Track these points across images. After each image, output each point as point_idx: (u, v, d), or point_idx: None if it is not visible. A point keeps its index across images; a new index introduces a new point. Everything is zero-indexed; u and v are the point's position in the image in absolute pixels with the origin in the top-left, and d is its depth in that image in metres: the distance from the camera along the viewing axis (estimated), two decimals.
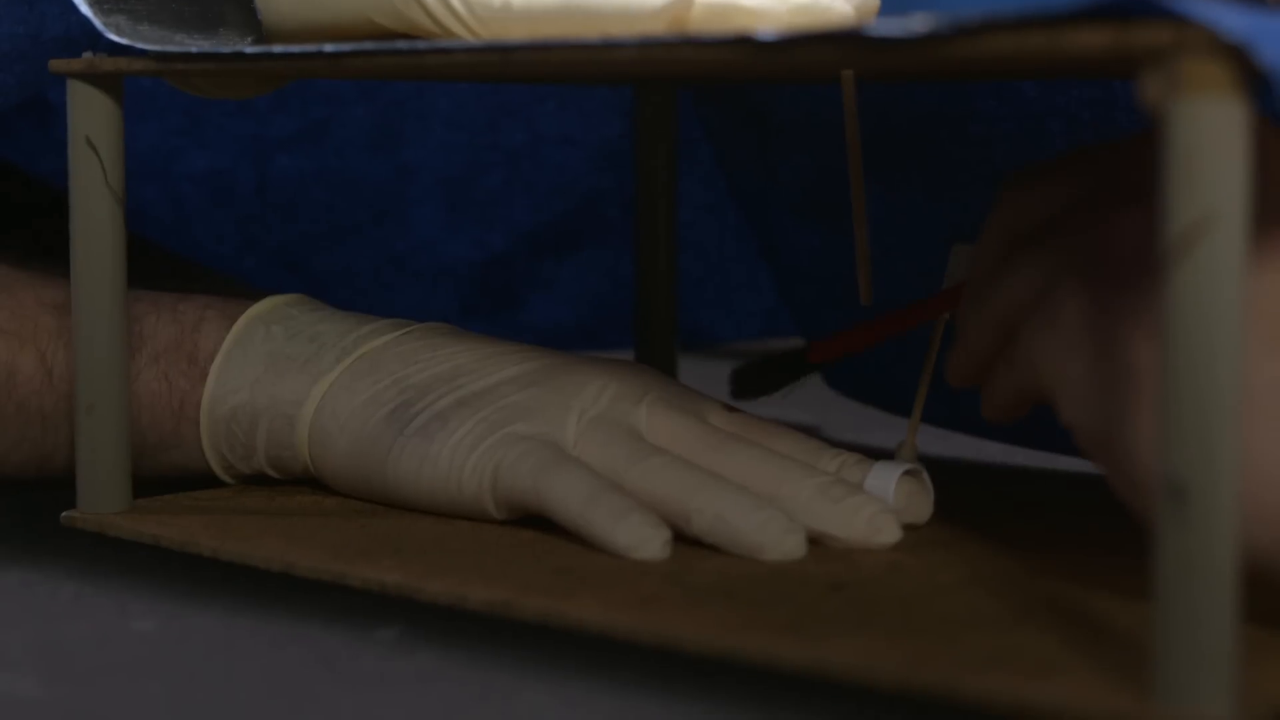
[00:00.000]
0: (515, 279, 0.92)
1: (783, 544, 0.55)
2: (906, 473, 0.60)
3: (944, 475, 0.63)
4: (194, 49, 0.58)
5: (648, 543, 0.55)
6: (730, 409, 0.63)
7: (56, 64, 0.61)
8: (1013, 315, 0.54)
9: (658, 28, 0.55)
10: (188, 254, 0.90)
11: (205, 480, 0.66)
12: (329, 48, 0.54)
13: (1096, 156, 0.55)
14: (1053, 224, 0.53)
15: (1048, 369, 0.51)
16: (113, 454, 0.62)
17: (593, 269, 0.92)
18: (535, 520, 0.59)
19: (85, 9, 0.60)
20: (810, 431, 0.72)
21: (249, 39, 0.62)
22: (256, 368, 0.65)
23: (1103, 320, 0.48)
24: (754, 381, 0.65)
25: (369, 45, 0.53)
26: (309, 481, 0.65)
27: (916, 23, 0.42)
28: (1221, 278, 0.39)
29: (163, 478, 0.66)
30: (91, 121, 0.60)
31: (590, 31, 0.56)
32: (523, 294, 0.93)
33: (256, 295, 0.68)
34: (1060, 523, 0.63)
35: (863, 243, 0.62)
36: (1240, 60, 0.38)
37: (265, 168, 0.85)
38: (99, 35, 0.59)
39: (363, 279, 0.92)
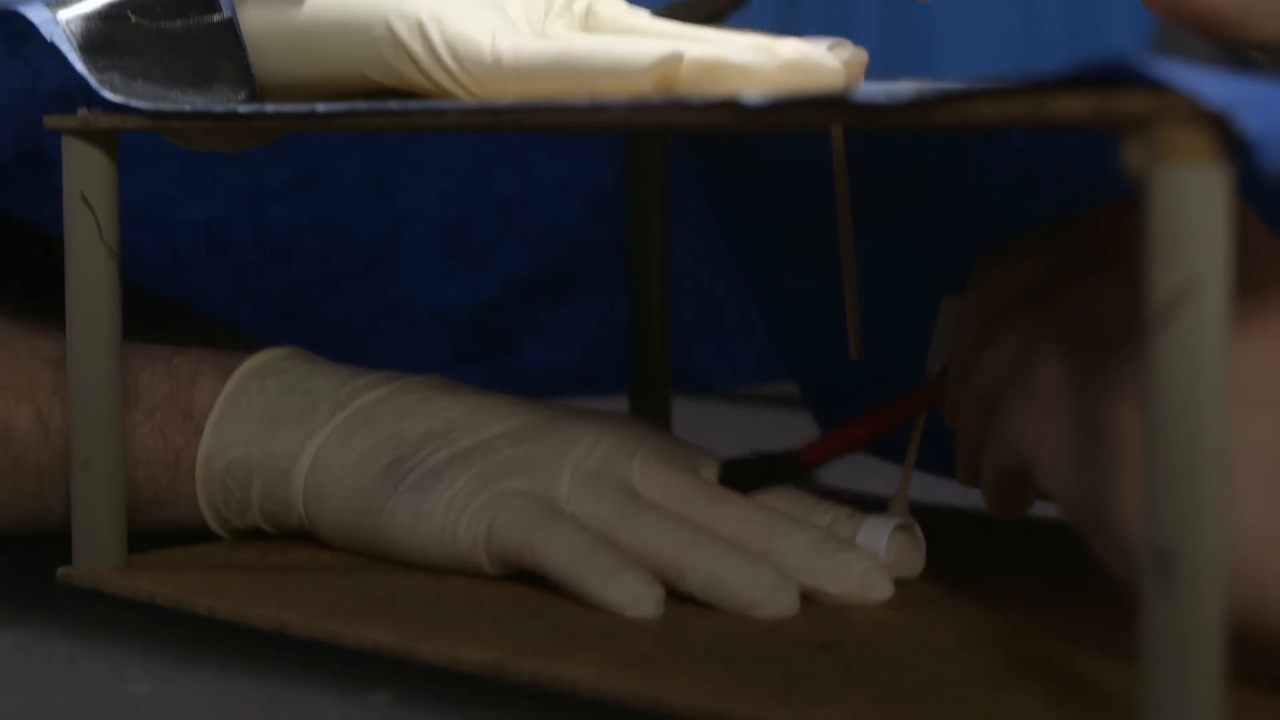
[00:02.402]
0: (509, 325, 0.92)
1: (775, 601, 0.55)
2: (899, 527, 0.60)
3: (935, 524, 0.63)
4: (188, 107, 0.58)
5: (640, 601, 0.55)
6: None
7: (52, 120, 0.61)
8: (990, 390, 0.54)
9: (647, 84, 0.56)
10: (183, 300, 0.91)
11: (200, 534, 0.66)
12: (322, 108, 0.54)
13: (1066, 230, 0.55)
14: (1025, 297, 0.53)
15: (1025, 439, 0.51)
16: (108, 510, 0.62)
17: (586, 314, 0.92)
18: (529, 575, 0.59)
19: (80, 66, 0.60)
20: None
21: (242, 93, 0.63)
22: (251, 423, 0.65)
23: (1080, 388, 0.49)
24: (744, 477, 0.65)
25: (361, 106, 0.54)
26: (304, 535, 0.65)
27: (902, 89, 0.42)
28: (1204, 345, 0.39)
29: (158, 531, 0.67)
30: (86, 178, 0.61)
31: (581, 87, 0.57)
32: (517, 339, 0.93)
33: (252, 346, 0.69)
34: (1050, 574, 0.63)
35: (853, 299, 0.62)
36: (1222, 128, 0.39)
37: (260, 216, 0.86)
38: (94, 90, 0.59)
39: (358, 325, 0.92)
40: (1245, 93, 0.39)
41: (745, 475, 0.63)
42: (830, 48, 0.59)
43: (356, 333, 0.93)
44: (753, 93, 0.45)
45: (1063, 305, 0.51)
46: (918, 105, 0.42)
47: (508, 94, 0.58)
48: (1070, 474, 0.49)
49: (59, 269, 0.62)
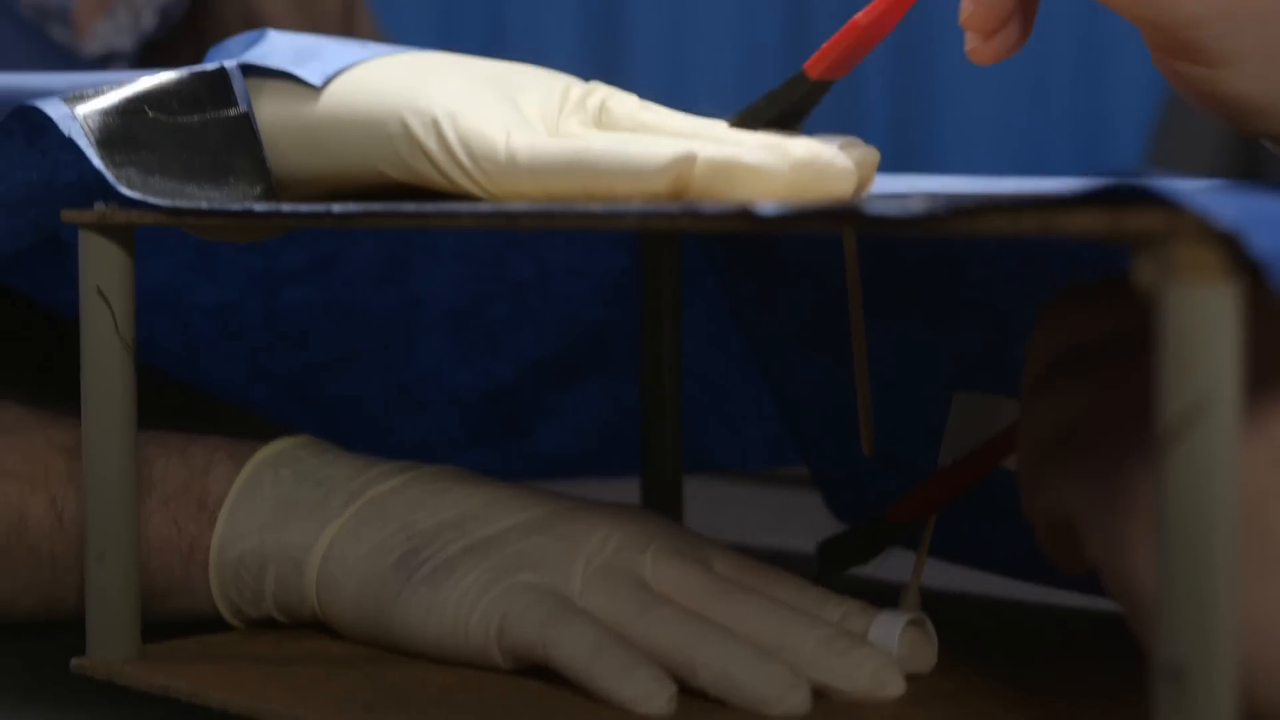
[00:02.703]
0: (522, 408, 0.93)
1: (788, 699, 0.55)
2: (910, 623, 0.60)
3: (946, 612, 0.63)
4: (204, 204, 0.59)
5: (653, 698, 0.55)
6: (734, 554, 0.64)
7: (69, 215, 0.61)
8: (1047, 437, 0.54)
9: (662, 185, 0.56)
10: (197, 383, 0.91)
11: (213, 622, 0.67)
12: (337, 208, 0.54)
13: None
14: (1089, 353, 0.53)
15: (1073, 502, 0.51)
16: (123, 602, 0.62)
17: (599, 398, 0.92)
18: (542, 669, 0.59)
19: (97, 162, 0.60)
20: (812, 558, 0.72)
21: (258, 187, 0.63)
22: (265, 513, 0.65)
23: (1124, 456, 0.49)
24: (840, 556, 0.65)
25: (377, 207, 0.54)
26: (317, 625, 0.66)
27: (914, 203, 0.43)
28: (1215, 462, 0.39)
29: (171, 620, 0.67)
30: (103, 271, 0.61)
31: (595, 187, 0.57)
32: (529, 422, 0.93)
33: (265, 429, 0.69)
34: (1063, 666, 0.63)
35: (865, 396, 0.63)
36: (1233, 247, 0.39)
37: (274, 300, 0.86)
38: (111, 185, 0.60)
39: (371, 407, 0.93)
40: (1255, 212, 0.39)
41: (845, 552, 0.63)
42: (842, 146, 0.59)
43: (370, 414, 0.93)
44: (767, 202, 0.45)
45: (1122, 373, 0.51)
46: (929, 219, 0.42)
47: (522, 192, 0.59)
48: (1098, 531, 0.49)
49: (74, 353, 0.62)
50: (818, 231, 0.47)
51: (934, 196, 0.43)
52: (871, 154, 0.60)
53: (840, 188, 0.58)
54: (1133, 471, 0.47)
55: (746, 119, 0.62)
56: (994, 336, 0.72)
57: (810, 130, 0.61)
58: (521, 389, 0.92)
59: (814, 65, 0.61)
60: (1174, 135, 1.33)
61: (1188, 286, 0.39)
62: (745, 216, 0.45)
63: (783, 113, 0.62)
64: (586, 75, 0.65)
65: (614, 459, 0.94)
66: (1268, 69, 0.61)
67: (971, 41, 0.64)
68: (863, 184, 0.60)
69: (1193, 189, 0.40)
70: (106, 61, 1.10)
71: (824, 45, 0.61)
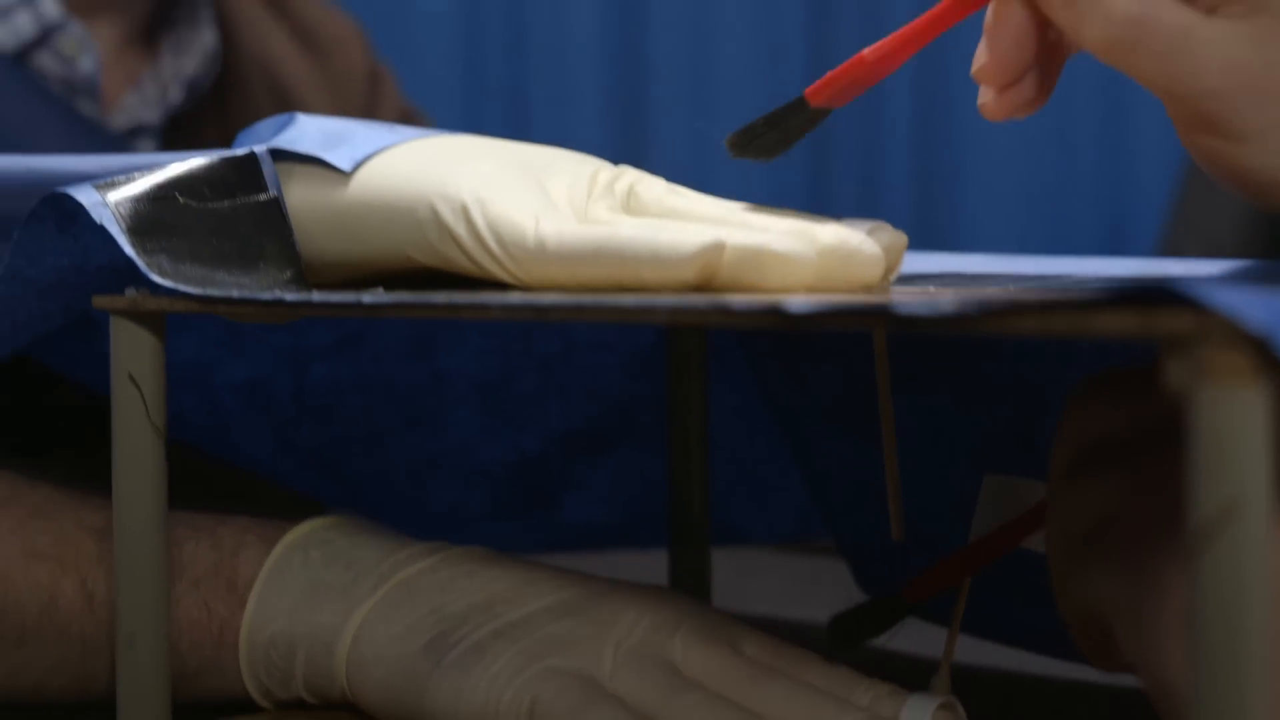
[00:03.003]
0: (549, 480, 0.93)
1: None
2: (941, 706, 0.60)
3: (977, 689, 0.63)
4: (235, 292, 0.59)
5: None
6: (763, 635, 0.64)
7: (101, 301, 0.62)
8: (1078, 529, 0.54)
9: (690, 273, 0.56)
10: (224, 456, 0.91)
11: (243, 703, 0.67)
12: (367, 299, 0.55)
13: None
14: (1118, 444, 0.53)
15: (1106, 598, 0.51)
16: (153, 686, 0.62)
17: (626, 471, 0.92)
18: None
19: (128, 249, 0.61)
20: None
21: (288, 272, 0.63)
22: (294, 595, 0.65)
23: (1156, 552, 0.49)
24: (853, 630, 0.65)
25: (407, 298, 0.55)
26: (347, 707, 0.66)
27: (944, 303, 0.43)
28: (1247, 562, 0.40)
29: (200, 701, 0.67)
30: (134, 357, 0.62)
31: (624, 274, 0.57)
32: (557, 494, 0.93)
33: (293, 502, 0.69)
34: None
35: (894, 481, 0.63)
36: (1263, 349, 0.39)
37: (302, 375, 0.86)
38: (142, 272, 0.60)
39: (399, 479, 0.93)
40: None
41: (854, 628, 0.64)
42: (870, 231, 0.59)
43: (397, 487, 0.93)
44: (796, 299, 0.45)
45: (1151, 467, 0.51)
46: (960, 319, 0.43)
47: (551, 278, 0.59)
48: (1132, 628, 0.49)
49: (106, 428, 0.63)
50: (847, 329, 0.47)
51: (964, 298, 0.43)
52: (899, 238, 0.61)
53: (868, 274, 0.58)
54: (1164, 569, 0.47)
55: (742, 139, 0.63)
56: (1024, 413, 0.72)
57: (837, 215, 0.62)
58: (549, 461, 0.92)
59: (816, 93, 0.62)
60: (1195, 206, 1.33)
61: (1218, 388, 0.40)
62: (774, 314, 0.46)
63: (778, 138, 0.62)
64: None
65: (641, 531, 0.94)
66: None
67: (984, 95, 0.64)
68: (891, 268, 0.61)
69: (1222, 282, 0.40)
70: (133, 135, 1.10)
71: (828, 74, 0.62)
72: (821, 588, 0.94)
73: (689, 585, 0.81)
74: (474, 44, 2.12)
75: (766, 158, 0.63)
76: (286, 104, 1.19)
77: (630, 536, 0.94)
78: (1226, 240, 1.30)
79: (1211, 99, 0.61)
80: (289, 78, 1.21)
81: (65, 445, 0.83)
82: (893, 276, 0.62)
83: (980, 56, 0.63)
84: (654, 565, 0.83)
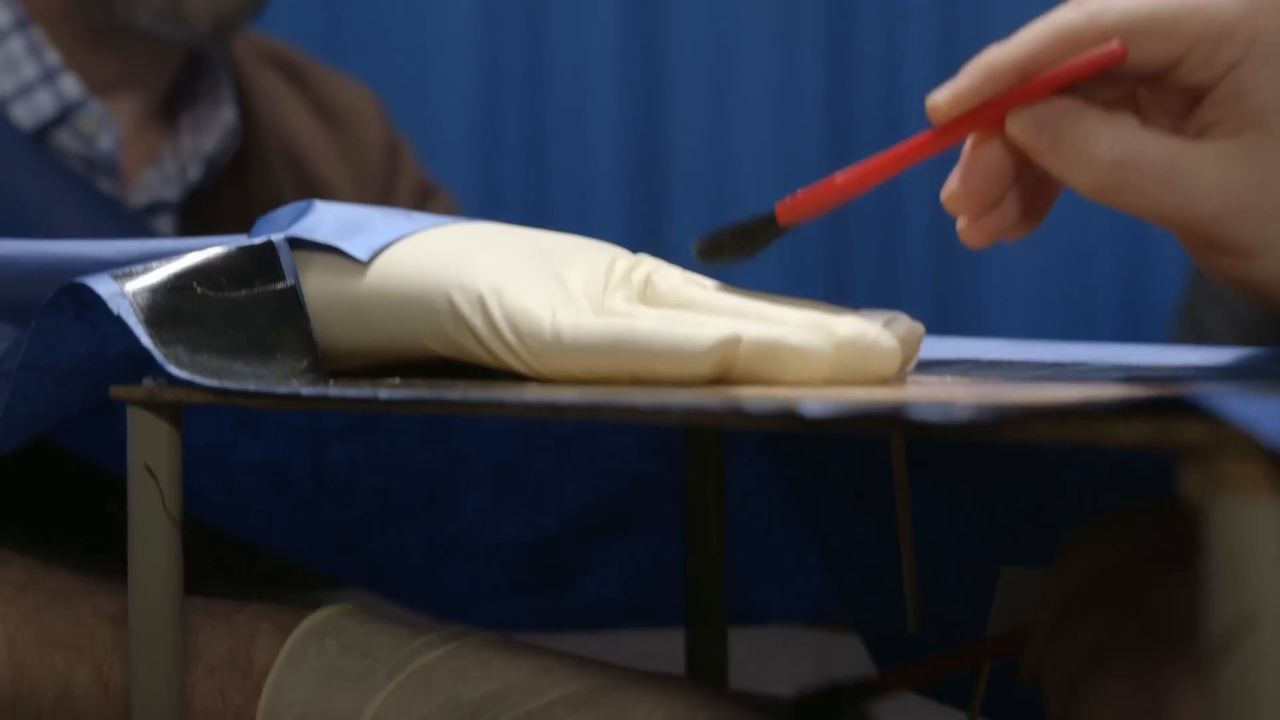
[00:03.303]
0: (566, 559, 0.93)
1: None
2: None
3: None
4: (251, 386, 0.59)
5: None
6: None
7: (118, 391, 0.62)
8: (1071, 670, 0.54)
9: (706, 367, 0.56)
10: (242, 535, 0.91)
11: None
12: (384, 394, 0.55)
13: (1151, 514, 0.55)
14: (1107, 583, 0.53)
15: None
16: None
17: (643, 550, 0.92)
18: None
19: (145, 340, 0.61)
20: None
21: (305, 360, 0.64)
22: (310, 684, 0.65)
23: (1150, 688, 0.49)
24: (817, 712, 0.65)
25: (424, 394, 0.55)
26: None
27: (959, 409, 0.43)
28: (1265, 675, 0.39)
29: None
30: (150, 448, 0.62)
31: (640, 367, 0.57)
32: (574, 573, 0.93)
33: (309, 583, 0.69)
34: None
35: (911, 571, 0.63)
36: None
37: (320, 456, 0.86)
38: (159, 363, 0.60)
39: (415, 558, 0.93)
40: None
41: (818, 710, 0.63)
42: (886, 323, 0.59)
43: (415, 565, 0.93)
44: (811, 402, 0.45)
45: (1141, 602, 0.51)
46: (975, 427, 0.43)
47: (568, 370, 0.59)
48: None
49: (123, 509, 0.63)
50: (862, 433, 0.47)
51: (981, 404, 0.43)
52: (916, 329, 0.61)
53: (885, 366, 0.58)
54: (1171, 692, 0.47)
55: (709, 246, 0.63)
56: (1042, 502, 0.71)
57: (856, 297, 0.62)
58: (566, 541, 0.92)
59: (785, 212, 0.63)
60: (1209, 290, 1.32)
61: (1235, 500, 0.39)
62: (789, 417, 0.46)
63: (744, 248, 0.62)
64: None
65: (658, 610, 0.93)
66: None
67: (961, 221, 0.64)
68: (908, 359, 0.61)
69: (1240, 389, 0.40)
70: (152, 211, 1.11)
71: (799, 193, 0.62)
72: (840, 665, 0.94)
73: (706, 665, 0.81)
74: (493, 115, 2.12)
75: (731, 265, 0.64)
76: (305, 176, 1.19)
77: (648, 616, 0.94)
78: (1243, 310, 1.30)
79: (1212, 223, 0.61)
80: (307, 150, 1.21)
81: (81, 528, 0.83)
82: (910, 367, 0.62)
83: (951, 184, 0.63)
84: (671, 645, 0.82)
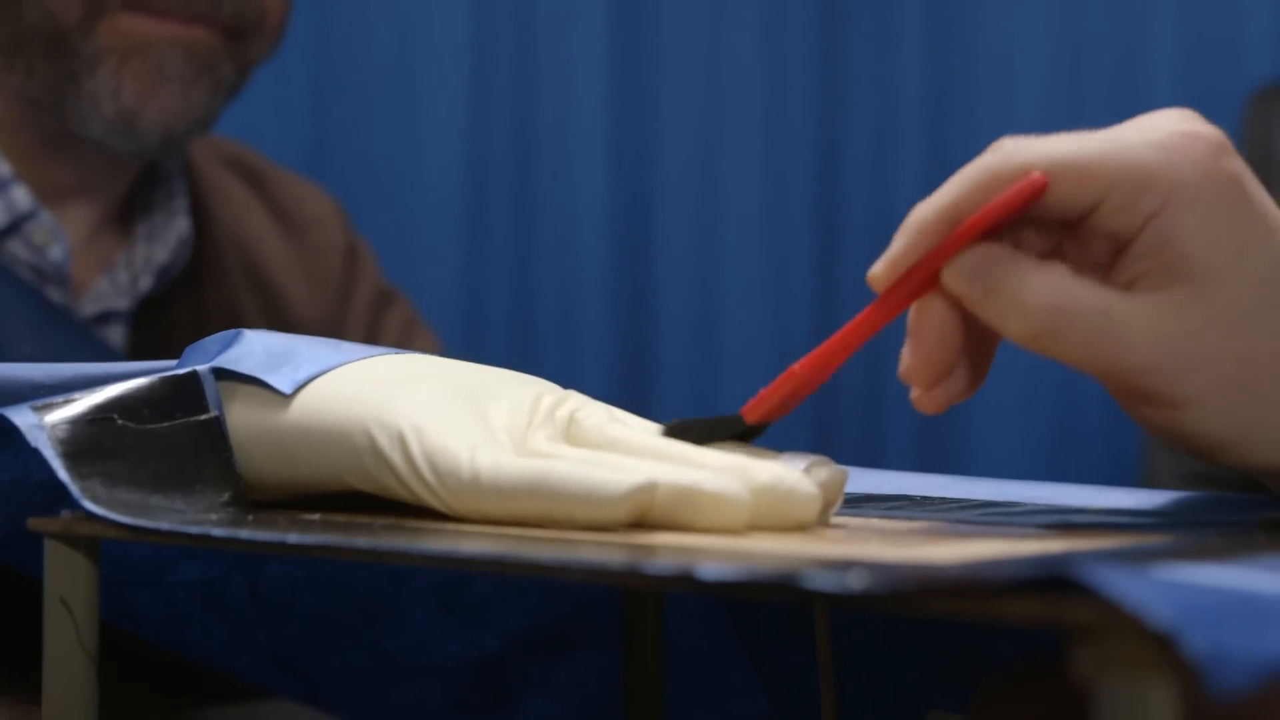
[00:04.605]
0: (509, 679, 0.92)
1: None
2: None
3: None
4: (165, 525, 0.58)
5: None
6: None
7: (35, 523, 0.61)
8: None
9: (621, 512, 0.56)
10: (180, 652, 0.90)
11: None
12: (293, 538, 0.54)
13: (1065, 670, 0.55)
14: None
15: None
16: None
17: (585, 671, 0.92)
18: None
19: (62, 474, 0.60)
20: None
21: (227, 493, 0.63)
22: None
23: None
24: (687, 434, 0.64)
25: (333, 540, 0.54)
26: None
27: (853, 578, 0.42)
28: None
29: None
30: (66, 582, 0.61)
31: (557, 510, 0.57)
32: (517, 693, 0.92)
33: (251, 704, 0.68)
34: None
35: (831, 711, 0.62)
36: (1169, 643, 0.39)
37: (258, 576, 0.86)
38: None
39: (356, 676, 0.92)
40: (1196, 607, 0.39)
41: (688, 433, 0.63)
42: (809, 468, 0.59)
43: (356, 682, 0.92)
44: (708, 567, 0.45)
45: None
46: (868, 598, 0.42)
47: (485, 511, 0.58)
48: None
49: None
50: (759, 598, 0.47)
51: (874, 570, 0.42)
52: (839, 474, 0.60)
53: (804, 513, 0.57)
54: None
55: (674, 430, 0.63)
56: (978, 636, 0.71)
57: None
58: (508, 659, 0.91)
59: (751, 410, 0.62)
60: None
61: (1123, 680, 0.39)
62: (686, 580, 0.45)
63: (705, 441, 0.62)
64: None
65: None
66: (1229, 406, 0.61)
67: (915, 392, 0.64)
68: (829, 504, 0.60)
69: (1132, 582, 0.39)
70: (102, 320, 1.10)
71: (761, 392, 0.62)
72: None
73: None
74: (478, 213, 2.12)
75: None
76: (261, 283, 1.19)
77: None
78: None
79: (1142, 374, 0.61)
80: (265, 256, 1.21)
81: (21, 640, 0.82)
82: (833, 511, 0.61)
83: (905, 358, 0.63)
84: None
